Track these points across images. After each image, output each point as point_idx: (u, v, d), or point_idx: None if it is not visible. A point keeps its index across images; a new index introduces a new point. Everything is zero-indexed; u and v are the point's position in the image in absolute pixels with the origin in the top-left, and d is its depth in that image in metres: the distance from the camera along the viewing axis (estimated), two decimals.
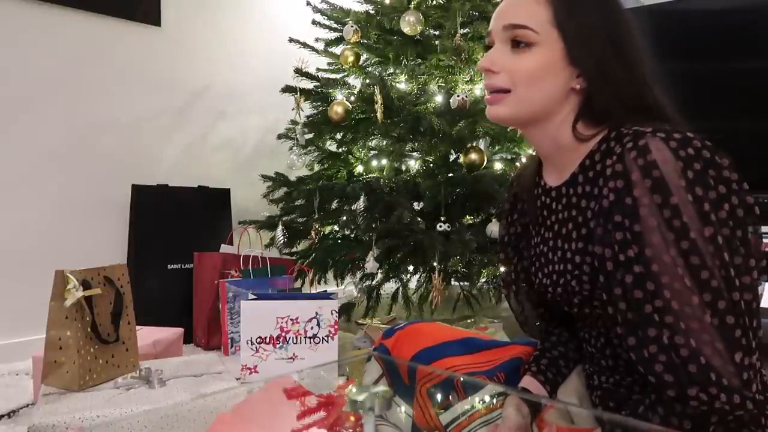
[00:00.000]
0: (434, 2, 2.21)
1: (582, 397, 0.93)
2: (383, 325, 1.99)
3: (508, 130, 2.03)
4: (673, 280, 0.69)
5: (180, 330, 1.79)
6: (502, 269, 1.04)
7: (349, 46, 2.23)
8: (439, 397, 0.92)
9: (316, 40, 2.43)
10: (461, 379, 0.93)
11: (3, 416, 1.49)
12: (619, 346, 0.82)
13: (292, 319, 1.65)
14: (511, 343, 1.05)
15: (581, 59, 0.80)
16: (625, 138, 0.75)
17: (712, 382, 0.68)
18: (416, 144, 2.15)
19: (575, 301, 0.85)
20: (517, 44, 0.81)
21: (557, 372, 0.95)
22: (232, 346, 1.97)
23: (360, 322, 2.16)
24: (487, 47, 0.87)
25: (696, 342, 0.68)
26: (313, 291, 2.17)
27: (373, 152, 2.30)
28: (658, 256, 0.70)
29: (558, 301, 0.89)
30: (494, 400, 0.88)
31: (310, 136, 2.33)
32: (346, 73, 2.36)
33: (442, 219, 1.95)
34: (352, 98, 2.21)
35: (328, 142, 2.40)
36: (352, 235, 2.26)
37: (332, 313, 1.66)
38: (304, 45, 2.37)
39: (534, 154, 0.97)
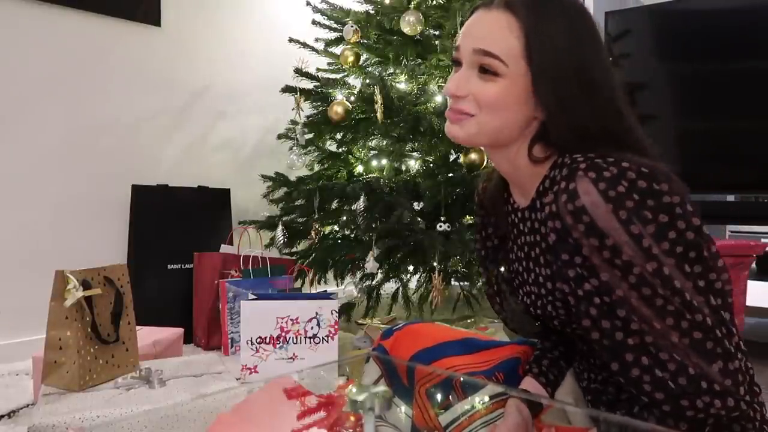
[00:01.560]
0: (434, 2, 2.21)
1: (578, 397, 0.93)
2: (383, 325, 1.99)
3: None
4: (632, 309, 0.70)
5: (180, 330, 1.79)
6: (484, 282, 1.05)
7: (349, 46, 2.23)
8: (438, 397, 0.92)
9: (316, 40, 2.43)
10: (461, 379, 0.93)
11: (3, 416, 1.49)
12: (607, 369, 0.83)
13: (292, 319, 1.66)
14: (510, 342, 1.05)
15: (544, 95, 0.79)
16: (563, 171, 0.75)
17: (703, 391, 0.69)
18: (416, 144, 2.15)
19: (555, 323, 0.86)
20: (484, 71, 0.80)
21: (559, 373, 0.95)
22: (232, 346, 1.97)
23: (360, 322, 2.16)
24: (455, 61, 0.85)
25: (679, 356, 0.70)
26: (313, 291, 2.17)
27: (373, 152, 2.30)
28: (613, 289, 0.71)
29: (541, 319, 0.90)
30: (494, 401, 0.88)
31: (310, 136, 2.33)
32: (346, 73, 2.36)
33: (442, 219, 1.95)
34: (352, 98, 2.21)
35: (328, 142, 2.40)
36: (352, 235, 2.26)
37: (332, 313, 1.67)
38: (304, 45, 2.37)
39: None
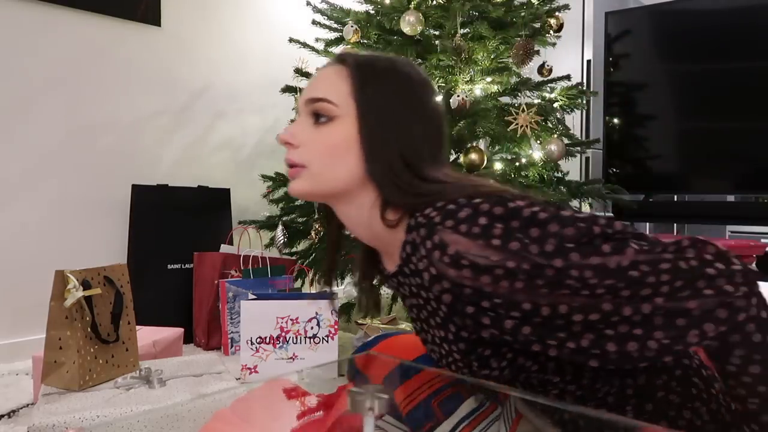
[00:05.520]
0: (434, 2, 2.21)
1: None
2: (383, 325, 1.99)
3: (509, 129, 2.02)
4: (568, 309, 0.66)
5: (180, 330, 1.79)
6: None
7: (349, 46, 2.23)
8: (420, 422, 0.90)
9: (316, 40, 2.43)
10: (437, 402, 0.90)
11: (3, 416, 1.49)
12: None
13: (292, 319, 1.66)
14: None
15: (365, 136, 0.77)
16: (421, 231, 0.71)
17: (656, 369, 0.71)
18: None
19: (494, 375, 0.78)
20: (318, 118, 0.79)
21: None
22: (232, 346, 1.97)
23: (360, 322, 2.16)
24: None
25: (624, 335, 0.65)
26: (313, 291, 2.17)
27: None
28: (539, 306, 0.66)
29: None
30: (475, 414, 0.87)
31: None
32: None
33: None
34: None
35: None
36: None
37: (332, 313, 1.67)
38: (304, 45, 2.37)
39: None
